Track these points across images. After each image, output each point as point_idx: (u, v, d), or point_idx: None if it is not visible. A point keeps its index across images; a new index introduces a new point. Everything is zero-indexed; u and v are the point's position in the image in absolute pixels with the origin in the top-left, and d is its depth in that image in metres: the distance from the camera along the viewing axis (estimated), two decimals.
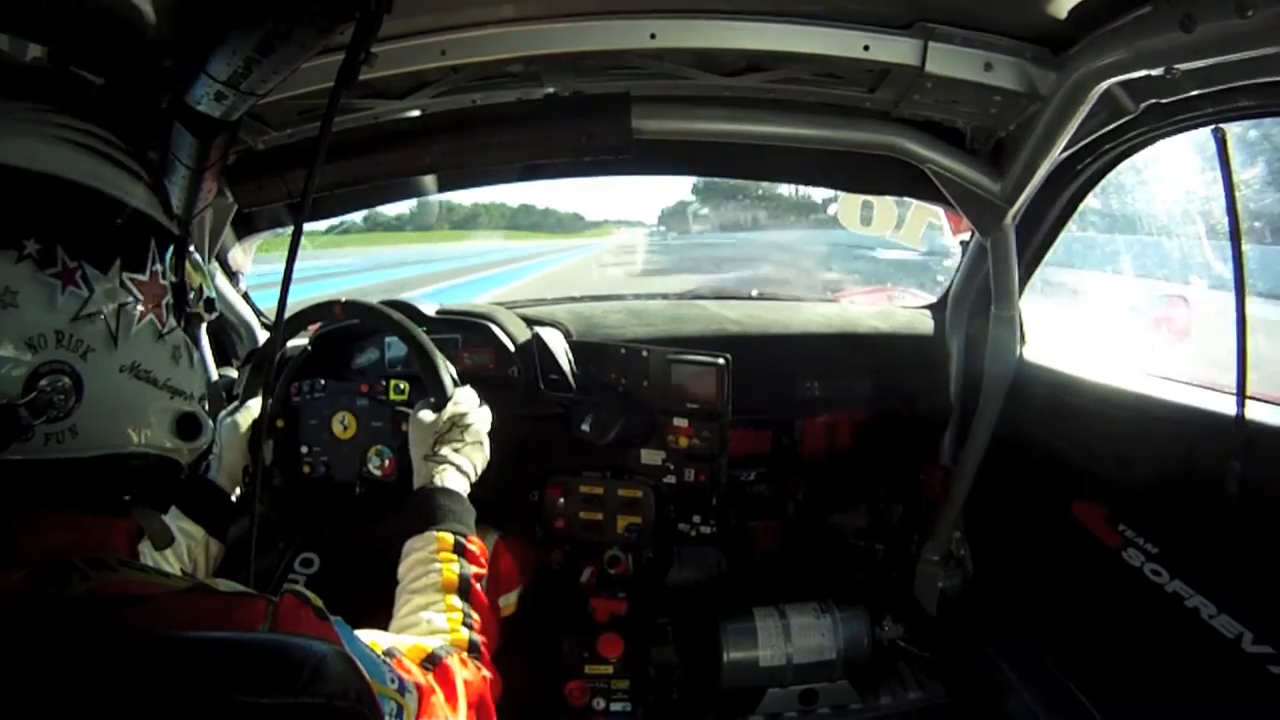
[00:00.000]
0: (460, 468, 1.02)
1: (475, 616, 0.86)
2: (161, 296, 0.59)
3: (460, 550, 0.91)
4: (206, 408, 0.65)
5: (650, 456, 1.55)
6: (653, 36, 1.10)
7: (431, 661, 0.72)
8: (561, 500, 1.57)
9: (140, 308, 0.57)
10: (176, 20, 0.69)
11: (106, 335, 0.55)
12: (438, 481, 0.99)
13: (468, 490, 1.01)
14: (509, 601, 1.45)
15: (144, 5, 0.66)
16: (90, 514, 0.57)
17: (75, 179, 0.54)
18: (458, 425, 1.06)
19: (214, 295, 0.68)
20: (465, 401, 1.10)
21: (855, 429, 1.75)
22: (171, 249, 0.61)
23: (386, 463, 1.24)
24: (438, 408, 1.08)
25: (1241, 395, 1.08)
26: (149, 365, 0.58)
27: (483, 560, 0.93)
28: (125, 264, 0.56)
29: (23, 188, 0.51)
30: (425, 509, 0.95)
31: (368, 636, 0.65)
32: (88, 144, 0.56)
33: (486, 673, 0.81)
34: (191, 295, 0.64)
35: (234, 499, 1.10)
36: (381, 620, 0.83)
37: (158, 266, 0.59)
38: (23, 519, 0.53)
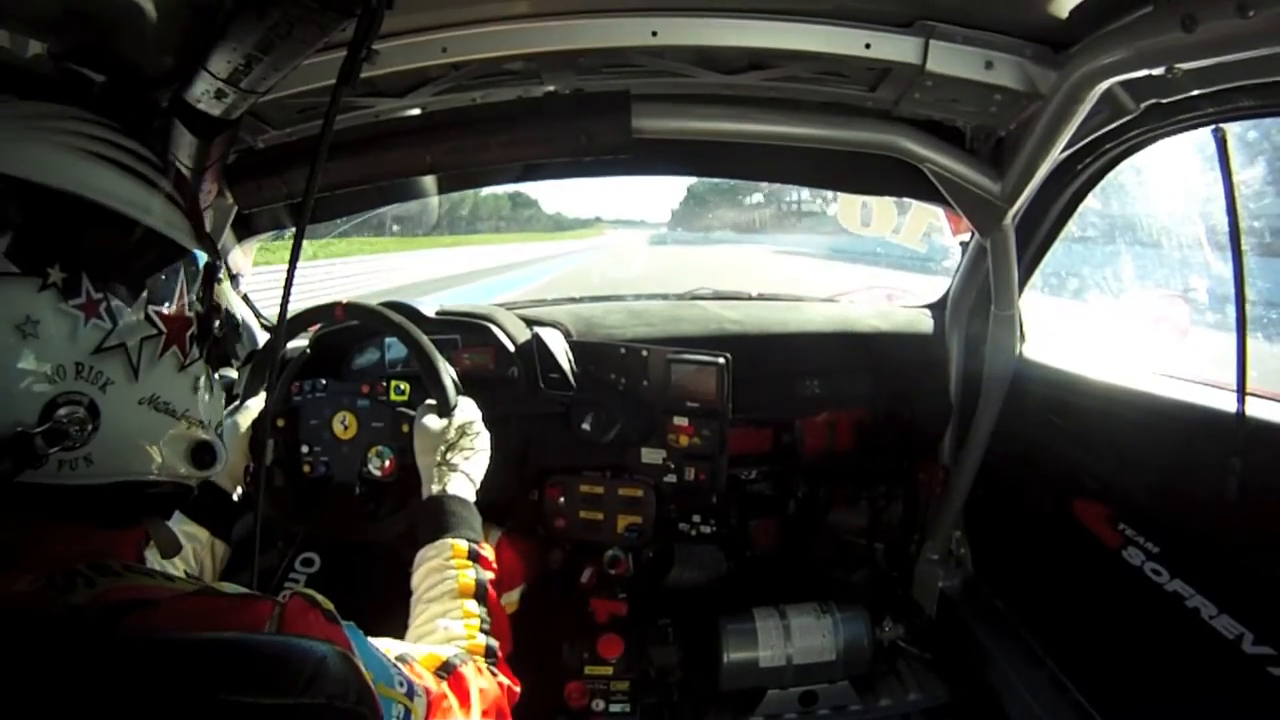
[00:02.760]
0: (469, 476, 1.03)
1: (491, 621, 0.86)
2: (186, 329, 0.58)
3: (475, 557, 0.91)
4: (223, 433, 0.64)
5: (650, 456, 1.55)
6: (654, 34, 1.10)
7: (446, 669, 0.72)
8: (562, 499, 1.57)
9: (164, 340, 0.56)
10: (177, 17, 0.68)
11: (127, 368, 0.54)
12: (449, 489, 0.99)
13: (474, 497, 1.01)
14: (512, 599, 1.45)
15: (145, 2, 0.66)
16: (100, 527, 0.56)
17: (108, 204, 0.52)
18: (467, 434, 1.06)
19: (239, 322, 0.67)
20: (470, 410, 1.11)
21: (855, 428, 1.75)
22: (201, 276, 0.60)
23: (387, 463, 1.24)
24: (443, 414, 1.08)
25: (1242, 393, 1.08)
26: (168, 398, 0.58)
27: (494, 566, 0.93)
28: (152, 296, 0.55)
29: (52, 209, 0.50)
30: (437, 517, 0.95)
31: (381, 644, 0.65)
32: (113, 157, 0.54)
33: (504, 680, 0.81)
34: (218, 322, 0.63)
35: (235, 499, 1.10)
36: (382, 619, 0.82)
37: (186, 296, 0.58)
38: (30, 530, 0.53)
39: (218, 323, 0.63)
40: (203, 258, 0.60)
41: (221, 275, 0.64)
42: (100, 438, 0.53)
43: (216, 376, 0.66)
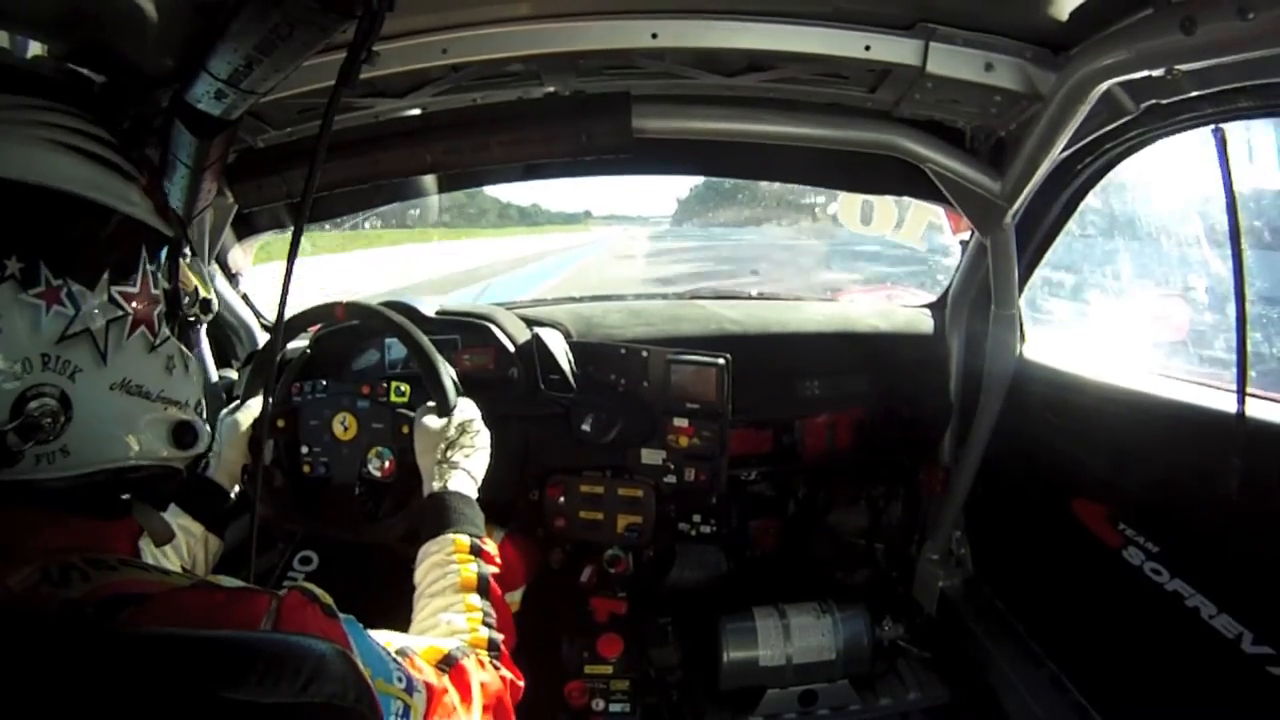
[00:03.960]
0: (470, 473, 1.03)
1: (495, 615, 0.86)
2: (154, 307, 0.58)
3: (477, 552, 0.91)
4: (204, 412, 0.64)
5: (650, 456, 1.55)
6: (654, 36, 1.10)
7: (447, 663, 0.72)
8: (562, 499, 1.57)
9: (130, 321, 0.56)
10: (178, 17, 0.68)
11: (95, 354, 0.53)
12: (450, 486, 0.99)
13: (475, 494, 1.02)
14: (513, 600, 1.45)
15: (145, 3, 0.66)
16: (90, 517, 0.56)
17: (56, 186, 0.52)
18: (467, 432, 1.07)
19: (212, 297, 0.67)
20: (470, 409, 1.11)
21: (855, 428, 1.75)
22: (165, 253, 0.59)
23: (386, 464, 1.24)
24: (442, 414, 1.08)
25: (1242, 393, 1.08)
26: (141, 380, 0.57)
27: (497, 561, 0.93)
28: (114, 276, 0.54)
29: (5, 199, 0.50)
30: (440, 513, 0.95)
31: (382, 637, 0.64)
32: (73, 143, 0.54)
33: (507, 673, 0.81)
34: (187, 300, 0.62)
35: (232, 496, 1.10)
36: (381, 617, 0.82)
37: (149, 275, 0.57)
38: (21, 523, 0.53)
39: (186, 299, 0.62)
40: (166, 234, 0.60)
41: (186, 253, 0.63)
42: (74, 428, 0.52)
43: (203, 360, 0.66)
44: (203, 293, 0.66)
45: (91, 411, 0.53)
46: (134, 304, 0.56)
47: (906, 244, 2.02)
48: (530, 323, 1.64)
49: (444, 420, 1.07)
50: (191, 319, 0.64)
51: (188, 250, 0.64)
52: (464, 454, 1.04)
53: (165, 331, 0.59)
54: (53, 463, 0.52)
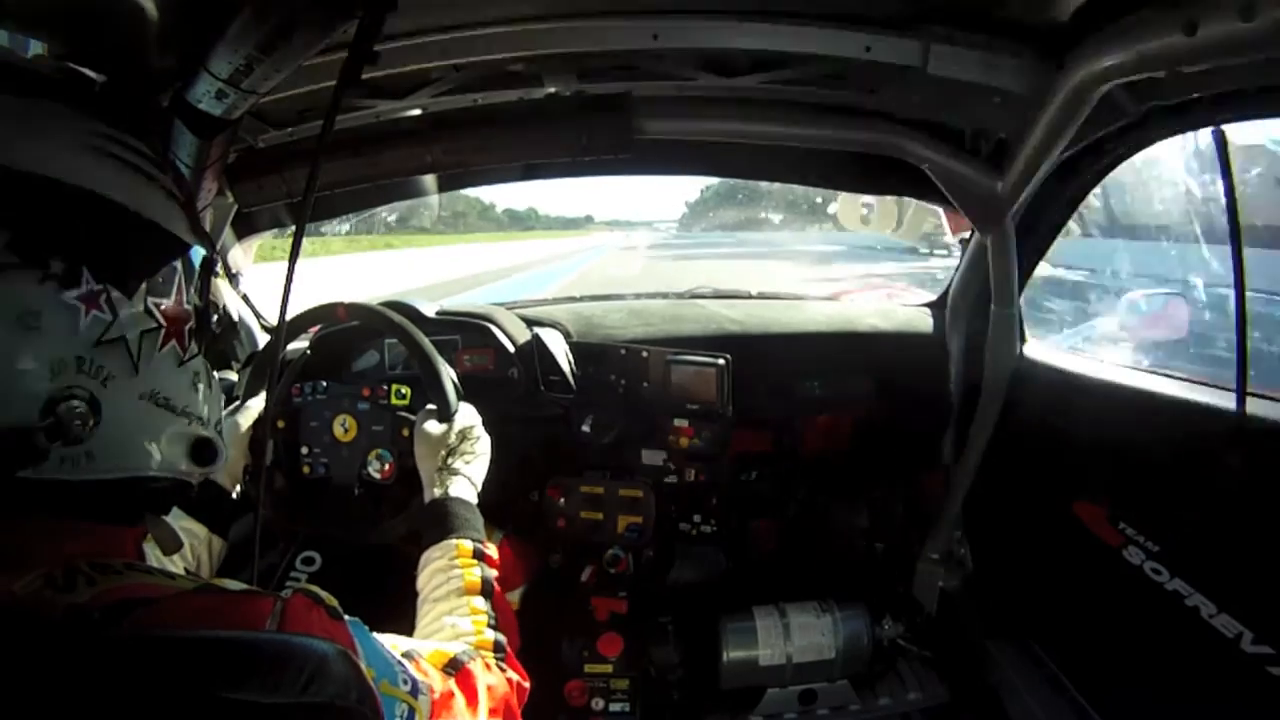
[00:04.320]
0: (471, 479, 1.03)
1: (498, 617, 0.87)
2: (185, 322, 0.58)
3: (479, 556, 0.92)
4: (223, 431, 0.65)
5: (651, 457, 1.56)
6: (655, 37, 1.10)
7: (454, 666, 0.72)
8: (562, 500, 1.57)
9: (163, 334, 0.56)
10: (178, 17, 0.68)
11: (128, 362, 0.54)
12: (451, 492, 1.00)
13: (476, 500, 1.02)
14: (512, 599, 1.46)
15: (146, 2, 0.65)
16: (101, 523, 0.56)
17: (109, 195, 0.53)
18: (468, 438, 1.07)
19: (237, 320, 0.68)
20: (471, 415, 1.11)
21: (855, 428, 1.75)
22: (199, 270, 0.60)
23: (386, 466, 1.24)
24: (443, 419, 1.09)
25: (1242, 392, 1.09)
26: (168, 393, 0.58)
27: (498, 565, 0.94)
28: (151, 288, 0.55)
29: (54, 201, 0.50)
30: (441, 519, 0.95)
31: (388, 640, 0.65)
32: (121, 155, 0.55)
33: (514, 674, 0.81)
34: (216, 318, 0.63)
35: (234, 497, 1.10)
36: (385, 617, 0.82)
37: (184, 290, 0.58)
38: (31, 527, 0.53)
39: (215, 318, 0.63)
40: (199, 253, 0.61)
41: (218, 271, 0.64)
42: (101, 433, 0.53)
43: (215, 375, 0.66)
44: (228, 313, 0.67)
45: (119, 418, 0.54)
46: (168, 318, 0.57)
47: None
48: (530, 323, 1.64)
49: (445, 426, 1.08)
50: (218, 337, 0.65)
51: (218, 270, 0.64)
52: (464, 460, 1.05)
53: (194, 348, 0.60)
54: (76, 465, 0.52)
